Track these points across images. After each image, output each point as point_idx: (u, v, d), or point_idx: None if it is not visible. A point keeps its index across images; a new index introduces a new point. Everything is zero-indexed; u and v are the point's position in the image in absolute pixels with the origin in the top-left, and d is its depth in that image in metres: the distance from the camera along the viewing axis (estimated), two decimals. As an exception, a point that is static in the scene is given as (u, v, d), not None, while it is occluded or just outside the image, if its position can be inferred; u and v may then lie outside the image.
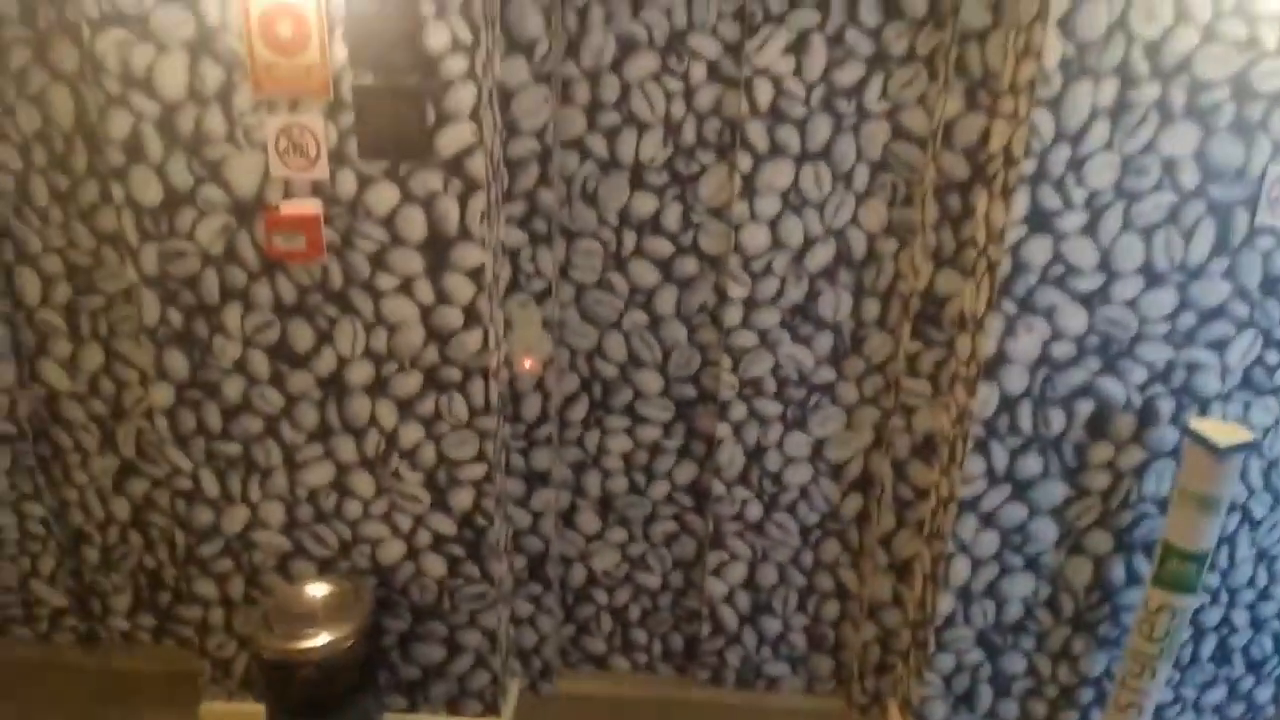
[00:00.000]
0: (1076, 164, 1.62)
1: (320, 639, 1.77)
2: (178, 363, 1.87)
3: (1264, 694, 2.15)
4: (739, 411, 2.05)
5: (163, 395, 1.89)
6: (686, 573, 2.27)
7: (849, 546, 2.18)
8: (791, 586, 2.22)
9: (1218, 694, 2.12)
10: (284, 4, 1.60)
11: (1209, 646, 2.06)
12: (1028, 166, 1.63)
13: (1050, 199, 1.65)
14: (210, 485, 1.96)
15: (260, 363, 1.85)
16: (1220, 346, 1.76)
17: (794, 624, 2.26)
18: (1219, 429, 1.71)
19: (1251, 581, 2.00)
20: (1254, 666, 2.10)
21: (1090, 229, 1.66)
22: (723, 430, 2.07)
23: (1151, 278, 1.70)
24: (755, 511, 2.14)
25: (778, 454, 2.09)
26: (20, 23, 1.89)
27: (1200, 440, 1.68)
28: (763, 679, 2.33)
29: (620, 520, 2.22)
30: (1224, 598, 2.01)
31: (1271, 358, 1.79)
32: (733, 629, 2.27)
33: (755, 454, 2.09)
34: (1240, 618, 2.04)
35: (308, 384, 1.86)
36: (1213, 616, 2.02)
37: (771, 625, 2.26)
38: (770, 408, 2.05)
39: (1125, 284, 1.70)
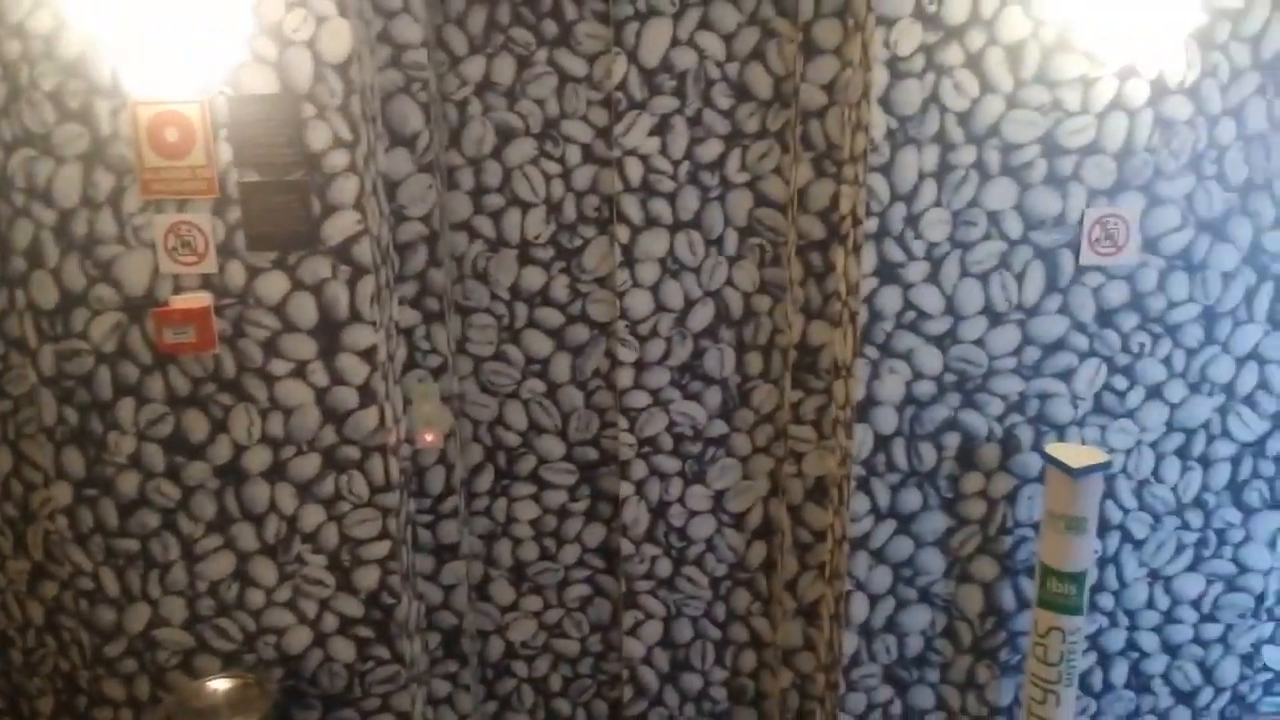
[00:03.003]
0: (913, 220, 1.79)
1: (220, 734, 1.74)
2: (75, 461, 1.87)
3: (1211, 730, 2.13)
4: (640, 470, 2.12)
5: (62, 494, 1.88)
6: (604, 635, 2.28)
7: (759, 595, 2.23)
8: (707, 640, 2.25)
9: (1149, 727, 2.13)
10: (170, 111, 1.71)
11: (1120, 672, 2.10)
12: (871, 225, 1.79)
13: (894, 252, 1.80)
14: (111, 584, 1.94)
15: (155, 455, 1.87)
16: (1067, 376, 1.91)
17: (714, 678, 2.27)
18: (1074, 452, 1.84)
19: (1151, 603, 2.06)
20: (1185, 698, 2.11)
21: (933, 277, 1.82)
22: (626, 489, 2.13)
23: (993, 317, 1.85)
24: (665, 567, 2.19)
25: (681, 509, 2.15)
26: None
27: (1056, 463, 1.80)
28: (690, 739, 2.33)
29: (534, 588, 2.24)
30: (1122, 620, 2.09)
31: (1119, 383, 1.94)
32: (654, 690, 2.27)
33: (659, 510, 2.15)
34: (1149, 642, 2.08)
35: (204, 473, 1.88)
36: (1115, 640, 2.08)
37: (692, 682, 2.27)
38: (669, 464, 2.13)
39: (971, 324, 1.85)
